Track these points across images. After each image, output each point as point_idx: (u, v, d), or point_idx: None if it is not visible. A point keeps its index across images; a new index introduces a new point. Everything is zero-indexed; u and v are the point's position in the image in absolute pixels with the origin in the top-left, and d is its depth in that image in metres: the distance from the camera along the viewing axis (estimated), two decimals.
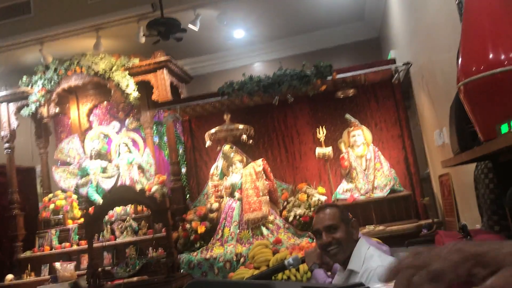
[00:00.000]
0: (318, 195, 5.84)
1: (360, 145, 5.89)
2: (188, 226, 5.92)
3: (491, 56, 1.52)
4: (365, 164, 5.83)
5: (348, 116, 5.94)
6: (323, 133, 6.04)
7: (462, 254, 0.40)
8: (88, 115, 7.46)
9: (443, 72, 3.85)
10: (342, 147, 5.96)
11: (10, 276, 6.43)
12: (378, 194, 5.66)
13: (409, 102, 6.30)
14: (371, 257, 1.91)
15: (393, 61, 5.75)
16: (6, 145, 7.10)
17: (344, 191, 5.82)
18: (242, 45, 7.81)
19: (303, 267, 4.31)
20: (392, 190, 5.67)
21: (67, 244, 6.61)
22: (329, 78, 5.66)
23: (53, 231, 6.78)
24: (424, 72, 4.77)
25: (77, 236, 6.66)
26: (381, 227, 5.27)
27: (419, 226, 5.12)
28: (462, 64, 1.63)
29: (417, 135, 6.06)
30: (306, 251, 2.27)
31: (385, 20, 6.81)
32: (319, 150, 5.96)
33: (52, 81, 6.87)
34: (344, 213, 2.08)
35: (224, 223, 5.86)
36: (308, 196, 5.83)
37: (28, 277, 6.41)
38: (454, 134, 2.07)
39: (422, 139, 5.79)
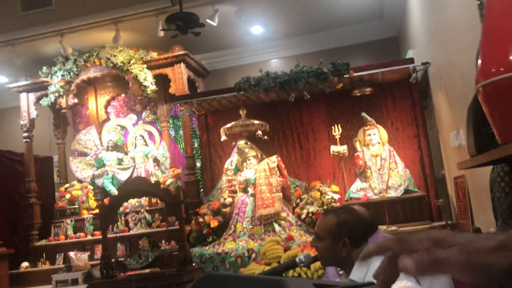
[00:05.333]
0: (332, 193, 5.83)
1: (376, 144, 5.86)
2: (201, 220, 5.96)
3: (511, 58, 1.51)
4: (380, 164, 5.80)
5: (364, 114, 5.91)
6: (339, 131, 6.02)
7: (427, 235, 0.53)
8: (106, 107, 7.54)
9: (462, 73, 3.81)
10: (357, 145, 5.93)
11: (25, 264, 6.56)
12: (392, 194, 5.63)
13: (426, 102, 6.24)
14: (374, 268, 1.86)
15: (411, 60, 5.70)
16: (25, 134, 7.23)
17: (358, 190, 5.80)
18: (259, 41, 7.80)
19: (314, 265, 4.31)
20: (406, 191, 5.63)
21: (82, 234, 6.71)
22: (346, 76, 5.64)
23: (68, 220, 6.89)
24: (443, 73, 4.72)
25: (92, 227, 6.75)
26: (393, 228, 5.24)
27: (432, 227, 5.08)
28: (481, 65, 1.61)
29: (433, 135, 6.00)
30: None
31: (404, 20, 6.74)
32: (334, 148, 5.95)
33: (71, 73, 6.96)
34: (339, 229, 1.86)
35: (237, 218, 5.89)
36: (321, 194, 5.82)
37: (43, 265, 6.53)
38: (471, 136, 2.05)
39: (438, 140, 5.73)
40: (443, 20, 4.32)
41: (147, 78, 6.68)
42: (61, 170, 7.81)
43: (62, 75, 6.98)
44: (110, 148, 7.07)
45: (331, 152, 5.97)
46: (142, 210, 6.62)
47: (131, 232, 6.46)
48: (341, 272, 2.30)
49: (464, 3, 3.36)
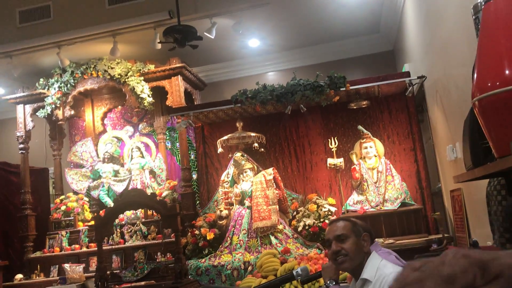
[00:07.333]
0: (328, 205, 5.83)
1: (372, 157, 5.87)
2: (197, 232, 5.93)
3: (507, 72, 1.52)
4: (376, 177, 5.81)
5: (360, 127, 5.93)
6: (335, 144, 6.04)
7: (469, 259, 0.45)
8: (102, 119, 7.54)
9: (458, 87, 3.84)
10: (354, 158, 5.94)
11: (19, 276, 6.50)
12: (389, 207, 5.63)
13: (422, 115, 6.27)
14: (384, 266, 1.98)
15: (407, 74, 5.74)
16: (21, 145, 7.20)
17: (355, 202, 5.80)
18: (256, 54, 7.85)
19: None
20: (403, 204, 5.63)
21: (77, 246, 6.66)
22: (343, 89, 5.67)
23: (63, 232, 6.84)
24: (439, 86, 4.75)
25: (87, 239, 6.71)
26: (390, 241, 5.24)
27: (429, 240, 5.08)
28: (477, 80, 1.63)
29: (429, 149, 6.03)
30: (323, 265, 2.27)
31: (400, 34, 6.81)
32: (330, 161, 5.96)
33: (68, 84, 6.97)
34: (357, 226, 2.14)
35: (233, 231, 5.87)
36: (318, 207, 5.82)
37: (37, 277, 6.47)
38: (468, 150, 2.06)
39: (435, 153, 5.75)
40: (439, 34, 4.36)
41: (144, 90, 6.69)
42: (57, 182, 7.78)
43: (59, 87, 6.98)
44: (106, 160, 7.05)
45: (328, 165, 5.98)
46: (137, 222, 6.59)
47: (127, 244, 6.42)
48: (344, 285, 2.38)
49: (460, 17, 3.40)
